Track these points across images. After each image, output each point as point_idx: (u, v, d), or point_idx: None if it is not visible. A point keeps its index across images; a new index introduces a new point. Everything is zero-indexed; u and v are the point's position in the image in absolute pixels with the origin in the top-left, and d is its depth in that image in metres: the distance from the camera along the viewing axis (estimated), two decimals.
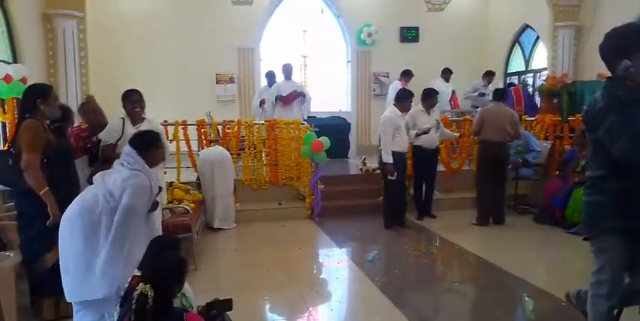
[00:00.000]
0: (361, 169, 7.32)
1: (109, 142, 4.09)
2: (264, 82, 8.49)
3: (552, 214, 5.83)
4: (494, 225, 5.94)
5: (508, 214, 6.19)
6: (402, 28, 10.39)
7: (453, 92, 9.18)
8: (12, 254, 3.46)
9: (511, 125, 5.83)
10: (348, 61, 10.56)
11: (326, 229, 5.90)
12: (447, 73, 9.05)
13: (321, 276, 4.59)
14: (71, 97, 7.01)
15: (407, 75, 8.46)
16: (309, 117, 7.82)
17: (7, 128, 5.26)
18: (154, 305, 2.04)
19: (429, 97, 6.01)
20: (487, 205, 5.95)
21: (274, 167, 6.64)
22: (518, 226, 5.97)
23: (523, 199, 6.61)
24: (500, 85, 9.51)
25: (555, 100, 7.54)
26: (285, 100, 7.50)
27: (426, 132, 5.82)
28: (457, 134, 6.69)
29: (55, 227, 2.73)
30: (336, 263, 4.98)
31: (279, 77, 7.85)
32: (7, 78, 4.90)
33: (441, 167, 7.04)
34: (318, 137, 6.23)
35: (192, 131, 6.60)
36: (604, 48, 2.34)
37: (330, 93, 10.63)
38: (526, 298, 3.97)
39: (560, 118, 7.05)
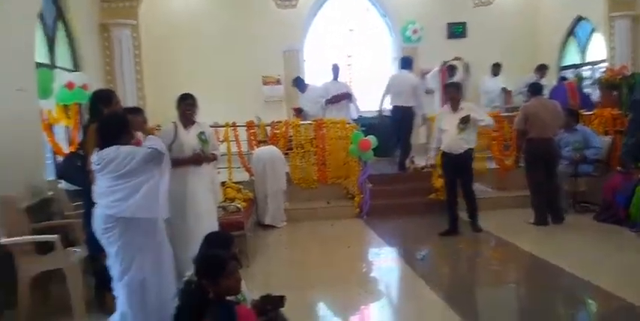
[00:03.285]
0: (409, 168, 7.23)
1: None
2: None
3: (615, 212, 5.53)
4: (553, 224, 5.66)
5: (567, 212, 5.90)
6: (449, 23, 10.19)
7: (504, 89, 8.92)
8: (79, 250, 3.67)
9: (556, 117, 5.61)
10: (394, 58, 10.46)
11: (375, 228, 5.87)
12: (496, 68, 8.82)
13: (371, 274, 4.58)
14: (129, 103, 7.32)
15: (451, 69, 8.34)
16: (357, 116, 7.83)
17: (71, 132, 5.56)
18: (195, 294, 2.11)
19: (447, 90, 5.57)
20: (543, 205, 5.68)
21: (322, 166, 6.68)
22: (578, 225, 5.68)
23: (583, 196, 6.32)
24: (554, 79, 9.12)
25: (615, 93, 7.18)
26: (335, 101, 7.53)
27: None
28: (490, 118, 5.53)
29: None
30: (385, 262, 4.96)
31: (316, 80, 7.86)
32: (70, 85, 5.17)
33: (493, 164, 6.86)
34: (365, 136, 6.22)
35: (242, 132, 6.74)
36: None
37: (376, 92, 10.55)
38: (590, 301, 3.79)
39: (619, 112, 6.70)
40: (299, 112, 7.86)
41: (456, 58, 8.50)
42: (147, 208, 2.82)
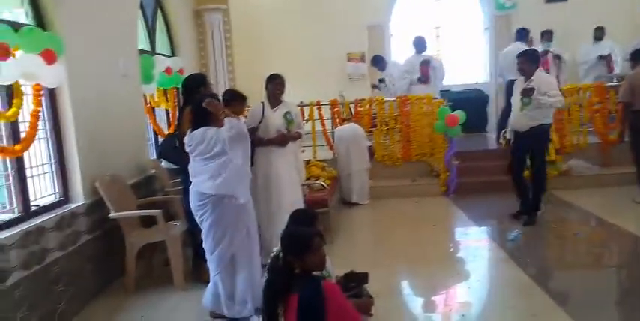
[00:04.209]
0: (501, 143, 6.87)
1: (251, 125, 4.38)
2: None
3: None
4: None
5: None
6: None
7: (605, 56, 8.01)
8: (179, 224, 4.00)
9: None
10: (486, 29, 9.87)
11: (462, 207, 5.72)
12: (599, 33, 7.97)
13: (457, 254, 4.50)
14: (220, 86, 7.68)
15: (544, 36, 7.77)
16: (443, 90, 7.54)
17: (170, 114, 5.98)
18: (282, 269, 2.21)
19: (518, 60, 4.83)
20: None
21: (407, 144, 6.58)
22: None
23: None
24: None
25: None
26: (423, 76, 7.29)
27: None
28: (557, 99, 4.67)
29: None
30: (474, 242, 4.84)
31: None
32: (168, 70, 5.54)
33: (596, 139, 6.33)
34: (453, 111, 6.00)
35: (326, 110, 6.82)
36: None
37: (467, 64, 10.08)
38: None
39: None
40: (374, 87, 7.79)
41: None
42: (232, 187, 3.00)
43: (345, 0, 9.37)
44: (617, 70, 8.05)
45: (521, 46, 6.67)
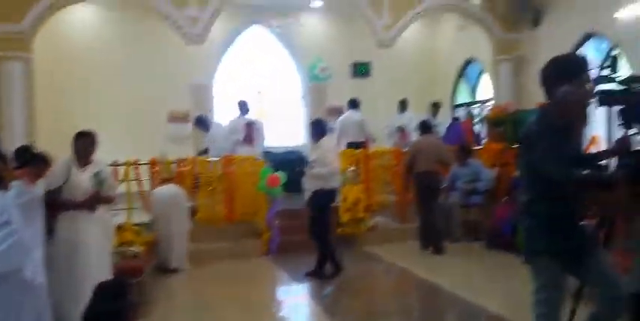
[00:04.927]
0: None
1: (53, 186, 3.90)
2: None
3: (503, 240, 5.99)
4: (453, 252, 6.03)
5: (459, 240, 6.44)
6: (354, 63, 10.72)
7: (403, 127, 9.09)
8: None
9: (442, 154, 6.19)
10: (303, 96, 10.77)
11: (283, 266, 5.85)
12: (402, 105, 8.90)
13: (280, 314, 4.53)
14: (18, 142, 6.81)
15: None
16: (266, 151, 7.86)
17: None
18: None
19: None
20: (428, 233, 6.12)
21: (230, 204, 6.58)
22: (470, 252, 6.14)
23: (474, 225, 6.77)
24: (449, 117, 9.85)
25: (500, 129, 7.89)
26: (247, 137, 7.53)
27: None
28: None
29: None
30: (294, 299, 4.94)
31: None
32: None
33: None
34: (275, 171, 6.26)
35: (145, 171, 6.50)
36: (544, 74, 2.50)
37: (287, 127, 10.75)
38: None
39: (505, 146, 7.37)
40: (205, 152, 7.76)
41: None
42: (16, 261, 2.56)
43: (169, 56, 9.31)
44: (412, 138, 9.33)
45: (355, 114, 7.97)
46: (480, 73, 10.32)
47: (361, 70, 10.77)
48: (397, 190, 7.13)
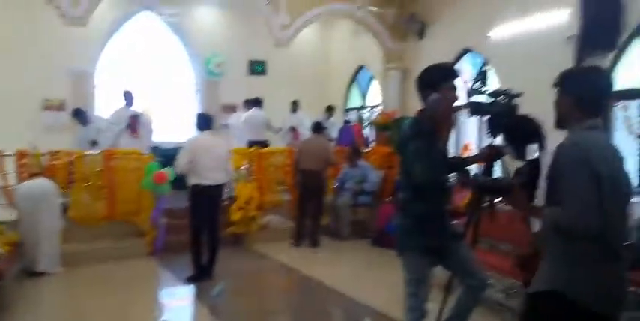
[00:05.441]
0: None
1: None
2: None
3: (387, 238, 6.31)
4: (341, 250, 6.27)
5: (349, 238, 6.68)
6: (250, 60, 10.60)
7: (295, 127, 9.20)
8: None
9: (327, 154, 6.45)
10: (197, 90, 10.42)
11: (169, 266, 5.59)
12: (294, 106, 9.06)
13: (162, 318, 4.30)
14: None
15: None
16: (154, 147, 7.43)
17: None
18: None
19: None
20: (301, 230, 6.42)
21: (111, 202, 6.10)
22: (357, 249, 6.39)
23: (362, 224, 7.07)
24: (341, 120, 10.17)
25: (387, 133, 8.34)
26: (132, 129, 7.05)
27: None
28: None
29: None
30: (179, 301, 4.73)
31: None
32: None
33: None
34: (163, 168, 5.94)
35: (10, 163, 5.80)
36: (418, 81, 2.72)
37: (178, 122, 10.28)
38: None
39: (391, 150, 7.79)
40: (94, 144, 7.15)
41: None
42: None
43: (44, 38, 8.41)
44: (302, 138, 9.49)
45: (259, 112, 8.17)
46: (371, 79, 10.80)
47: (257, 68, 10.72)
48: (289, 188, 7.19)
